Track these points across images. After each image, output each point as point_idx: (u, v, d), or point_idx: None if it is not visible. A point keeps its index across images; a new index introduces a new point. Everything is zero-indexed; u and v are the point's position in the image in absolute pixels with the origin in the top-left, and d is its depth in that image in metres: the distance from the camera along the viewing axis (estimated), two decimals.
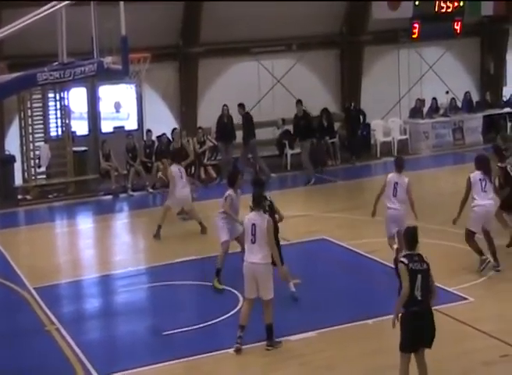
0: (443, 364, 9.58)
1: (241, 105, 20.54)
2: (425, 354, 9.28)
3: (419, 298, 8.33)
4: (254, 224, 10.19)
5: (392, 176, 12.96)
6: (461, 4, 23.48)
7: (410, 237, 8.53)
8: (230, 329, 10.62)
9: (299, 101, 21.03)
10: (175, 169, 15.77)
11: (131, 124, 21.17)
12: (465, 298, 11.71)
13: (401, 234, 10.40)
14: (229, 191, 12.64)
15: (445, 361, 9.68)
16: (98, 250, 15.87)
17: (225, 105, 20.66)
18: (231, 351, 10.17)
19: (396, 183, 12.84)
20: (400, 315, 8.43)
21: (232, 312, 11.44)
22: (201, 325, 11.11)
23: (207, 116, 21.24)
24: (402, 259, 8.41)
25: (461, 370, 9.52)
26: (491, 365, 9.49)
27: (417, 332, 8.44)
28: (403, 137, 23.57)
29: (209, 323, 11.18)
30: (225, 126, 20.70)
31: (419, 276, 8.33)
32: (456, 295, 11.81)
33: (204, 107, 21.61)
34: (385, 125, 23.60)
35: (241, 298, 11.87)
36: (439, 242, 14.02)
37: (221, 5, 20.65)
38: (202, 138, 20.88)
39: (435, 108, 24.15)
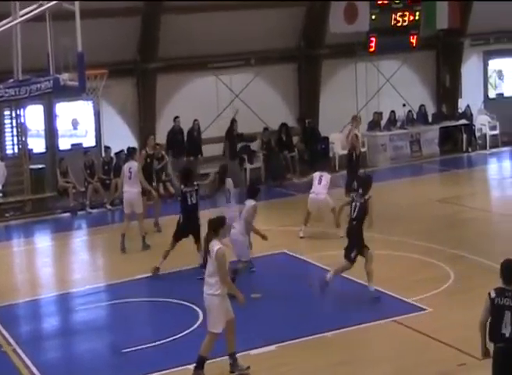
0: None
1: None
2: (385, 365, 9.38)
3: (507, 335, 7.85)
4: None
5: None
6: (417, 17, 23.80)
7: (507, 272, 7.95)
8: (190, 345, 10.54)
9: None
10: (124, 166, 15.81)
11: (89, 141, 21.03)
12: (424, 309, 11.79)
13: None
14: (254, 202, 12.99)
15: (401, 371, 9.73)
16: (56, 268, 15.70)
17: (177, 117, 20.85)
18: (191, 367, 10.10)
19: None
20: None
21: (191, 329, 11.39)
22: (161, 341, 11.03)
23: (165, 132, 21.18)
24: (490, 291, 7.96)
25: None
26: (449, 374, 9.54)
27: (503, 369, 7.99)
28: (362, 149, 23.69)
29: (169, 339, 11.11)
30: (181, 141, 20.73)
31: (508, 313, 7.83)
32: (415, 306, 11.89)
33: (163, 123, 21.55)
34: (344, 138, 23.70)
35: (201, 314, 11.85)
36: (397, 253, 14.13)
37: (179, 20, 20.67)
38: (160, 154, 20.79)
39: (392, 121, 24.37)
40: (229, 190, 14.29)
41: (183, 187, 14.09)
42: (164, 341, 11.05)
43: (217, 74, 22.41)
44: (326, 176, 16.12)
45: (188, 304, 12.39)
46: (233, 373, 9.97)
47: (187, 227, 14.00)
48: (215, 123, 22.28)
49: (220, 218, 10.16)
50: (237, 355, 10.27)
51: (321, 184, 15.96)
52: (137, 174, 15.66)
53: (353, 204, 12.52)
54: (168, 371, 10.13)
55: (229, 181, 14.42)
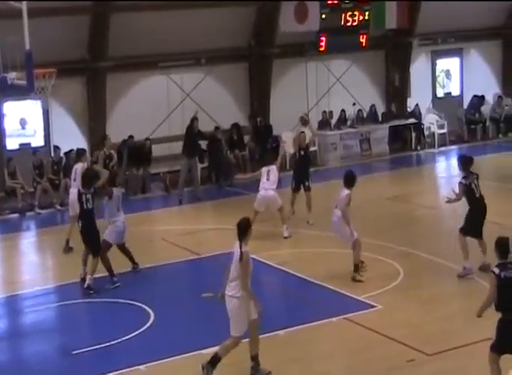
0: (350, 371, 9.72)
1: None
2: (336, 362, 9.45)
3: None
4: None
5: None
6: (366, 17, 24.01)
7: (503, 247, 8.66)
8: (140, 346, 10.50)
9: (196, 119, 20.45)
10: (74, 166, 15.71)
11: (38, 141, 20.74)
12: (374, 306, 11.88)
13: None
14: (348, 191, 13.04)
15: (352, 369, 9.82)
16: (4, 270, 15.46)
17: None
18: (142, 368, 10.06)
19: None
20: (499, 317, 8.53)
21: (142, 329, 11.33)
22: (111, 343, 10.94)
23: (116, 132, 21.02)
24: (493, 269, 8.55)
25: None
26: (396, 370, 9.65)
27: (509, 339, 8.51)
28: (313, 148, 23.81)
29: (119, 340, 11.02)
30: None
31: None
32: (365, 303, 11.99)
33: (113, 122, 21.40)
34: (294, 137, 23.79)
35: (152, 315, 11.81)
36: (347, 251, 14.22)
37: (129, 18, 20.53)
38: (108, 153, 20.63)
39: (343, 120, 24.53)
40: (119, 197, 13.70)
41: (80, 189, 13.45)
42: (114, 341, 10.96)
43: (167, 73, 22.33)
44: (274, 171, 15.79)
45: (139, 304, 12.32)
46: None
47: (82, 234, 13.42)
48: (165, 122, 22.22)
49: (246, 219, 9.72)
50: (189, 354, 10.28)
51: (269, 180, 15.70)
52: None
53: None
54: (118, 372, 10.04)
55: (118, 189, 13.87)
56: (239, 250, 9.46)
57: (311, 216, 16.71)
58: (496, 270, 8.47)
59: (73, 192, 15.30)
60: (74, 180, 15.62)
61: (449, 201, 13.35)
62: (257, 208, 15.71)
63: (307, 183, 16.98)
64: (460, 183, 13.04)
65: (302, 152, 17.16)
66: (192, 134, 20.03)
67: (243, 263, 9.36)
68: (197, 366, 9.81)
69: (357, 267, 12.94)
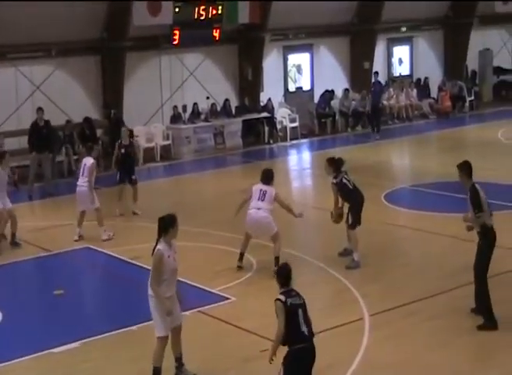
0: (206, 364, 9.79)
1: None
2: (191, 355, 9.49)
3: (306, 333, 7.94)
4: None
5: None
6: (219, 12, 24.19)
7: (284, 275, 8.15)
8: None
9: (40, 109, 19.99)
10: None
11: None
12: (227, 298, 12.03)
13: None
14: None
15: (207, 361, 9.89)
16: None
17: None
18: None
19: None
20: (286, 352, 7.97)
21: None
22: None
23: None
24: (279, 297, 7.98)
25: (223, 369, 9.76)
26: (251, 360, 9.81)
27: (304, 370, 8.00)
28: (166, 142, 23.84)
29: None
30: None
31: (300, 311, 7.98)
32: (219, 296, 12.11)
33: None
34: (148, 131, 23.73)
35: (0, 315, 11.46)
36: (200, 244, 14.33)
37: None
38: None
39: (196, 114, 24.61)
40: None
41: None
42: None
43: (16, 65, 21.65)
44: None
45: None
46: None
47: None
48: (14, 115, 21.55)
49: (172, 216, 9.18)
50: (39, 353, 10.06)
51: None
52: None
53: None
54: None
55: None
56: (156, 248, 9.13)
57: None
58: (283, 298, 7.97)
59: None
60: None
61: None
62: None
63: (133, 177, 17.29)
64: (332, 183, 13.33)
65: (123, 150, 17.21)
66: (38, 127, 19.45)
67: (152, 261, 9.10)
68: (48, 365, 9.63)
69: (278, 259, 12.81)
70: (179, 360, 9.50)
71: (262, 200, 12.92)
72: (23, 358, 10.06)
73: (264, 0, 25.16)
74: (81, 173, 15.51)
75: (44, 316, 11.75)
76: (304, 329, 7.96)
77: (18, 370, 9.89)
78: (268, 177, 13.13)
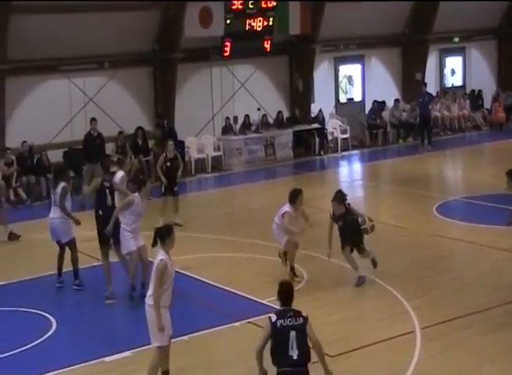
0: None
1: None
2: (240, 366, 9.46)
3: (295, 357, 7.52)
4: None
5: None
6: (270, 23, 24.27)
7: (283, 293, 7.90)
8: (42, 355, 10.29)
9: (94, 119, 20.49)
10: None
11: None
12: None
13: None
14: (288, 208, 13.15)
15: (255, 372, 9.85)
16: None
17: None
18: None
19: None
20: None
21: (44, 338, 11.11)
22: (13, 352, 10.69)
23: (16, 137, 20.59)
24: (270, 315, 7.75)
25: None
26: None
27: None
28: (217, 153, 23.95)
29: (21, 349, 10.78)
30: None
31: (293, 333, 7.58)
32: (268, 306, 12.05)
33: (13, 127, 20.94)
34: (199, 142, 23.89)
35: (55, 323, 11.60)
36: (250, 255, 14.32)
37: (28, 20, 20.14)
38: (10, 159, 20.20)
39: (247, 125, 24.68)
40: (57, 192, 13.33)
41: None
42: (16, 351, 10.70)
43: (70, 77, 21.99)
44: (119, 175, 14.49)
45: (40, 312, 12.08)
46: None
47: None
48: (67, 127, 21.87)
49: (168, 226, 9.37)
50: (91, 362, 10.13)
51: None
52: None
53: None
54: None
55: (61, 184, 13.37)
56: (157, 258, 9.21)
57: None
58: (273, 318, 7.66)
59: None
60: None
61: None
62: None
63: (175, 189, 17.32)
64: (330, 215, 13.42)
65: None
66: (91, 138, 19.73)
67: (156, 271, 9.16)
68: (100, 373, 9.72)
69: (292, 268, 13.15)
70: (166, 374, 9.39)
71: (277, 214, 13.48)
72: (75, 367, 10.16)
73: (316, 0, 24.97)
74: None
75: (96, 325, 11.86)
76: (293, 353, 7.55)
77: None
78: (289, 196, 13.48)
